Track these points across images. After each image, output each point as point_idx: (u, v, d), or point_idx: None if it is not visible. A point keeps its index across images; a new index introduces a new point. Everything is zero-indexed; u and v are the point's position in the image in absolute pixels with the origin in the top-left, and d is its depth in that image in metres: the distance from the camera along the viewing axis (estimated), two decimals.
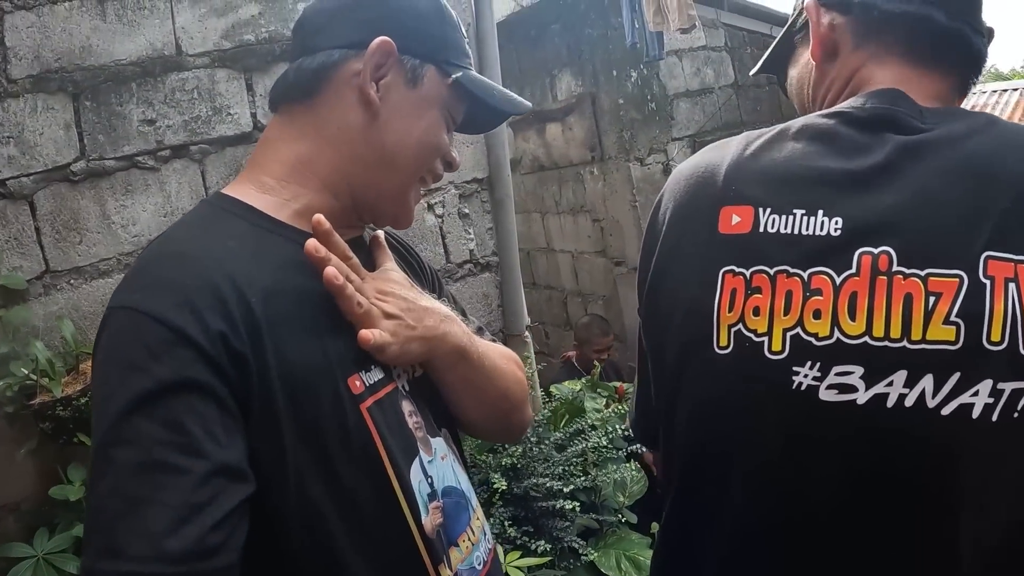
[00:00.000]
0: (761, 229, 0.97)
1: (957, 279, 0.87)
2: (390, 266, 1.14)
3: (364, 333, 0.99)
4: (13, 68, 2.37)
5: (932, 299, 0.87)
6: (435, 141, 1.13)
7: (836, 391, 0.91)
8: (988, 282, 0.86)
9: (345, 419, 0.96)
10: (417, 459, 1.04)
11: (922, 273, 0.88)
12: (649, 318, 1.14)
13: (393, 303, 1.06)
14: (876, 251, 0.90)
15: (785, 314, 0.94)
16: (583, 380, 3.77)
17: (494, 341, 1.32)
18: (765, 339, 0.95)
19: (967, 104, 1.14)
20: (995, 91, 9.09)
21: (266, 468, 0.89)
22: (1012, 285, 0.85)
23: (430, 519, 1.02)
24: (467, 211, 3.37)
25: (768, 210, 0.98)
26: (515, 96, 1.24)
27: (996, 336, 0.85)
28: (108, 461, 0.82)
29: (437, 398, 1.18)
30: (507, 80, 3.73)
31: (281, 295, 0.96)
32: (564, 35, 6.20)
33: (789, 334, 0.94)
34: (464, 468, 1.20)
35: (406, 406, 1.06)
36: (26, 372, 2.27)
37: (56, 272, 2.46)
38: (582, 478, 2.89)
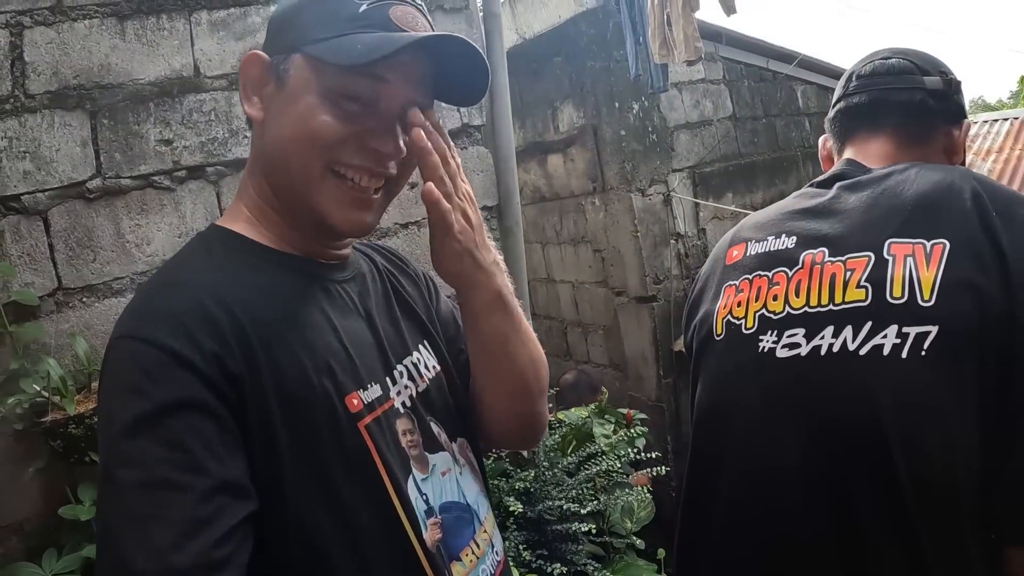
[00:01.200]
0: (748, 254, 1.41)
1: (866, 258, 1.22)
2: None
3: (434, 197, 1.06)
4: (31, 83, 2.37)
5: (849, 273, 1.22)
6: (307, 131, 1.02)
7: (788, 349, 1.26)
8: (891, 258, 1.19)
9: (343, 437, 0.97)
10: (411, 477, 1.05)
11: (843, 258, 1.24)
12: (688, 344, 1.53)
13: (475, 217, 1.12)
14: (815, 251, 1.29)
15: (756, 301, 1.34)
16: (591, 407, 3.76)
17: None
18: (743, 320, 1.35)
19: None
20: (986, 121, 9.16)
21: (265, 486, 0.90)
22: (909, 259, 1.18)
23: (429, 534, 1.03)
24: None
25: (753, 241, 1.42)
26: (391, 36, 1.01)
27: (897, 293, 1.16)
28: (113, 482, 0.83)
29: (446, 408, 1.19)
30: (510, 111, 3.73)
31: (275, 317, 0.98)
32: (566, 67, 6.26)
33: (757, 314, 1.33)
34: (479, 479, 1.20)
35: (401, 424, 1.08)
36: (37, 389, 2.24)
37: (68, 290, 2.45)
38: (595, 501, 2.88)
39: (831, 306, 1.22)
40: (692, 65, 4.61)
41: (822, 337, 1.22)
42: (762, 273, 1.35)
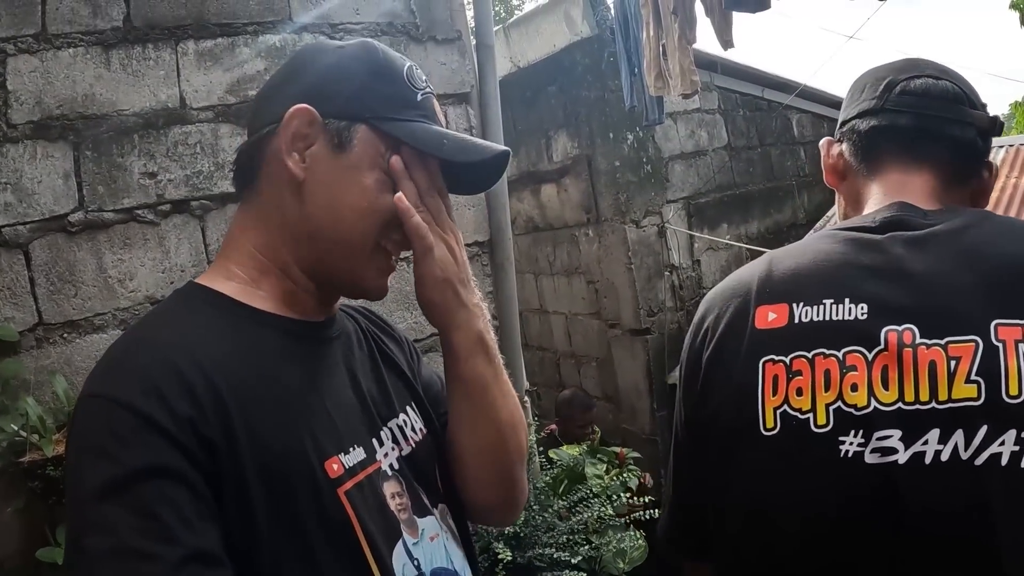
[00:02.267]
0: (796, 321, 1.11)
1: (973, 343, 1.00)
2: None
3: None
4: (14, 113, 2.33)
5: (953, 362, 1.00)
6: (373, 207, 1.03)
7: (879, 454, 1.02)
8: (1000, 345, 0.99)
9: (322, 503, 0.94)
10: (400, 542, 1.01)
11: (942, 342, 1.01)
12: (696, 419, 1.23)
13: (460, 254, 1.12)
14: (900, 328, 1.04)
15: (826, 390, 1.06)
16: (583, 446, 3.71)
17: None
18: (810, 415, 1.07)
19: None
20: None
21: (241, 553, 0.87)
22: (1022, 346, 0.98)
23: None
24: None
25: (801, 303, 1.12)
26: (475, 143, 1.11)
27: (1014, 390, 0.97)
28: (81, 549, 0.80)
29: (432, 473, 1.15)
30: (504, 140, 3.71)
31: (253, 380, 0.95)
32: (561, 97, 6.25)
33: (831, 408, 1.06)
34: (462, 545, 1.16)
35: (390, 487, 1.04)
36: (16, 428, 2.19)
37: (49, 325, 2.40)
38: (586, 547, 2.82)
39: (934, 404, 1.00)
40: (688, 98, 4.59)
41: (925, 442, 1.01)
42: (828, 352, 1.08)
